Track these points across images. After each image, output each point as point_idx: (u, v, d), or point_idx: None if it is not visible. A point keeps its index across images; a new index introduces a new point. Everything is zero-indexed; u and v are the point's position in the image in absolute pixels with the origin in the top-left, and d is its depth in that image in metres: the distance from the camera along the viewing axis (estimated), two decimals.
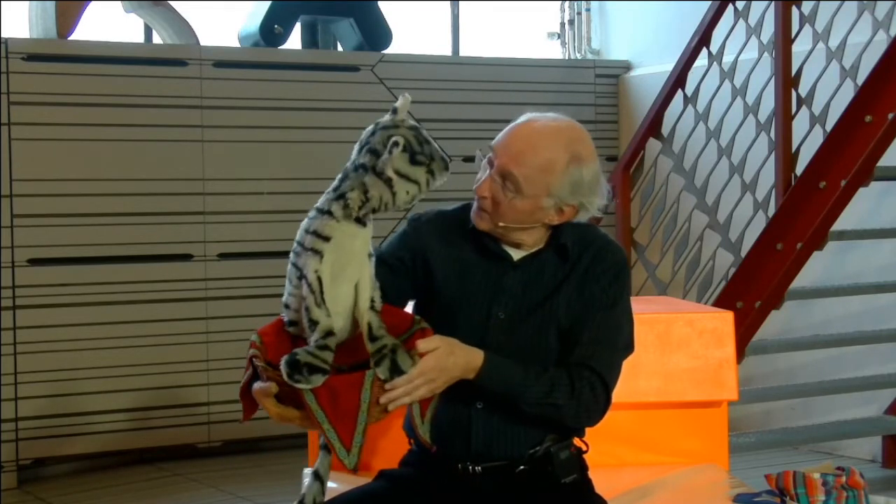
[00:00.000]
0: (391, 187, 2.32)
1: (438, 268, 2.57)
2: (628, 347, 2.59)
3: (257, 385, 2.36)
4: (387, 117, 2.39)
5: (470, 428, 2.52)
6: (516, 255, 2.55)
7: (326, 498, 2.52)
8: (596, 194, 2.51)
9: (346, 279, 2.35)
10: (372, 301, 2.39)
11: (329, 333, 2.32)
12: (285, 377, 2.28)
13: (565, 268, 2.53)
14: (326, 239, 2.32)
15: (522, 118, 2.52)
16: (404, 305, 2.59)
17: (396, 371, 2.32)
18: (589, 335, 2.49)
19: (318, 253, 2.32)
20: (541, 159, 2.45)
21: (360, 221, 2.35)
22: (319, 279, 2.32)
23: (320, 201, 2.37)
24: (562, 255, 2.54)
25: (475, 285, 2.54)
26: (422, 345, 2.36)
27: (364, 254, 2.38)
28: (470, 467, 2.53)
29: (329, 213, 2.33)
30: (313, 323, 2.33)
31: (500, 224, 2.50)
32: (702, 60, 5.56)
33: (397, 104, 2.39)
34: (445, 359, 2.38)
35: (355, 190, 2.33)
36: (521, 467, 2.52)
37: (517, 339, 2.50)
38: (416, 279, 2.58)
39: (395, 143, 2.30)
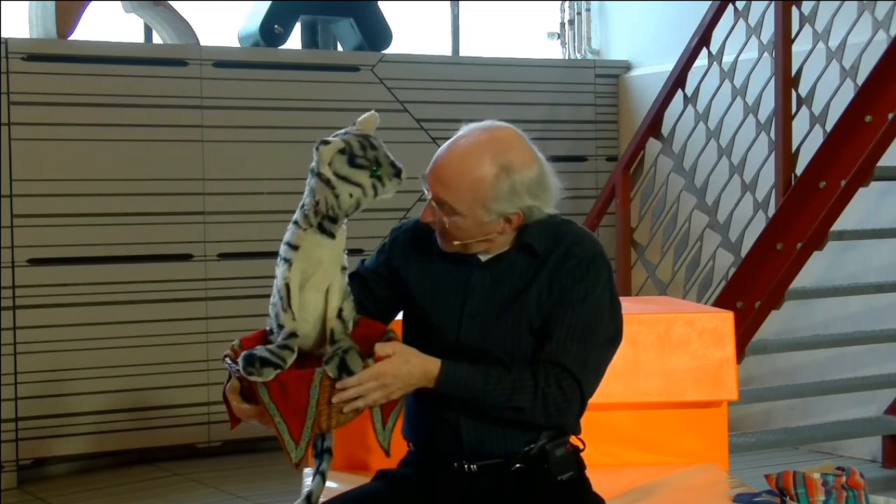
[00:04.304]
0: (332, 189, 2.39)
1: (411, 276, 2.61)
2: (612, 342, 2.57)
3: (228, 385, 2.47)
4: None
5: (459, 426, 2.53)
6: (484, 255, 2.57)
7: (325, 498, 2.55)
8: (540, 197, 2.50)
9: (314, 287, 2.44)
10: (340, 310, 2.46)
11: (292, 335, 2.42)
12: (241, 371, 2.37)
13: (535, 265, 2.53)
14: (295, 248, 2.43)
15: (452, 138, 2.52)
16: (389, 316, 2.64)
17: (345, 370, 2.37)
18: (561, 331, 2.47)
19: (287, 262, 2.43)
20: (468, 180, 2.46)
21: (326, 232, 2.43)
22: (287, 286, 2.42)
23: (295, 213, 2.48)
24: (530, 252, 2.54)
25: (446, 288, 2.56)
26: (378, 347, 2.41)
27: (333, 264, 2.46)
28: (465, 466, 2.54)
29: (296, 223, 2.45)
30: (280, 327, 2.43)
31: (456, 242, 2.52)
32: (702, 60, 5.56)
33: (360, 118, 2.46)
34: (400, 366, 2.41)
35: (308, 196, 2.44)
36: (517, 465, 2.53)
37: (491, 338, 2.51)
38: (394, 290, 2.63)
39: (324, 142, 2.38)
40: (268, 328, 2.50)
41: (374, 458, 3.01)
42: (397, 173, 2.44)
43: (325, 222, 2.42)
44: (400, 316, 2.67)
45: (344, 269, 2.48)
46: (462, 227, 2.49)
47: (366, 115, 2.48)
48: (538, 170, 2.50)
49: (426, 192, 2.52)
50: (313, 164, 2.41)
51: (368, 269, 2.65)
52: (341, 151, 2.39)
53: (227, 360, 2.44)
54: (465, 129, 2.53)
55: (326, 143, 2.39)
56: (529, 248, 2.53)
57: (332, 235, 2.44)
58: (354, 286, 2.56)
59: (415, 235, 2.63)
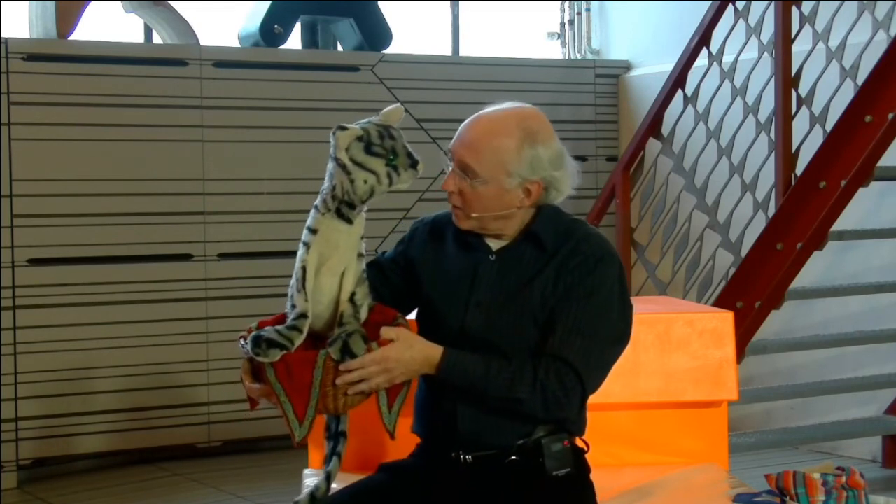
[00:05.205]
0: (348, 174, 2.46)
1: (424, 265, 2.66)
2: (619, 340, 2.59)
3: (242, 366, 2.55)
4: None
5: (455, 414, 2.56)
6: (495, 245, 2.61)
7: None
8: (560, 170, 2.56)
9: (329, 270, 2.51)
10: (353, 294, 2.53)
11: (302, 316, 2.49)
12: (250, 351, 2.45)
13: (543, 258, 2.56)
14: (314, 232, 2.50)
15: (477, 113, 2.61)
16: (404, 304, 2.69)
17: (347, 352, 2.43)
18: (564, 326, 2.50)
19: (306, 245, 2.51)
20: (493, 143, 2.53)
21: (344, 217, 2.50)
22: (304, 268, 2.49)
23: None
24: (539, 245, 2.57)
25: (455, 277, 2.61)
26: (383, 331, 2.47)
27: (349, 249, 2.52)
28: (461, 456, 2.57)
29: (316, 207, 2.52)
30: (293, 308, 2.51)
31: (474, 215, 2.56)
32: (702, 60, 5.56)
33: (384, 109, 2.54)
34: (403, 351, 2.46)
35: (327, 181, 2.51)
36: (512, 458, 2.55)
37: (496, 328, 2.54)
38: (408, 278, 2.69)
39: (341, 128, 2.46)
40: (286, 310, 2.55)
41: (384, 458, 3.00)
42: (413, 164, 2.50)
43: (342, 207, 2.49)
44: (414, 315, 2.71)
45: (361, 255, 2.55)
46: (484, 195, 2.53)
47: (391, 107, 2.56)
48: (559, 147, 2.57)
49: (448, 164, 2.57)
50: (332, 149, 2.48)
51: (387, 258, 2.73)
52: (359, 138, 2.46)
53: (241, 340, 2.50)
54: (484, 109, 2.60)
55: (344, 128, 2.46)
56: (537, 238, 2.57)
57: (349, 221, 2.50)
58: (372, 273, 2.62)
59: (433, 228, 2.70)
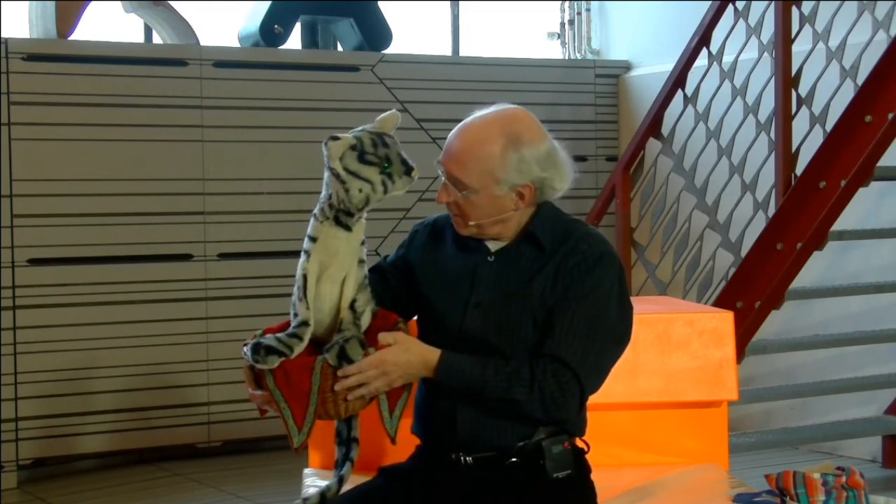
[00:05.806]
0: (343, 183, 2.48)
1: (423, 269, 2.67)
2: (618, 341, 2.59)
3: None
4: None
5: (455, 416, 2.56)
6: (494, 246, 2.61)
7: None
8: (550, 169, 2.55)
9: (330, 278, 2.52)
10: (353, 301, 2.54)
11: (304, 324, 2.50)
12: (249, 358, 2.46)
13: (542, 259, 2.56)
14: (314, 240, 2.52)
15: (463, 121, 2.60)
16: (405, 308, 2.69)
17: (345, 358, 2.44)
18: (562, 326, 2.50)
19: (307, 253, 2.52)
20: (477, 153, 2.52)
21: (342, 224, 2.51)
22: (305, 276, 2.51)
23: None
24: (537, 245, 2.57)
25: (454, 278, 2.61)
26: (380, 337, 2.48)
27: (349, 256, 2.54)
28: (461, 458, 2.57)
29: (315, 215, 2.53)
30: (295, 316, 2.52)
31: (472, 223, 2.57)
32: (702, 60, 5.56)
33: (380, 116, 2.55)
34: (400, 355, 2.47)
35: (324, 190, 2.53)
36: (512, 459, 2.54)
37: (495, 328, 2.54)
38: (408, 282, 2.69)
39: (333, 138, 2.47)
40: (290, 318, 2.56)
41: (381, 460, 3.00)
42: (408, 171, 2.51)
43: (340, 215, 2.50)
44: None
45: (361, 261, 2.56)
46: (477, 204, 2.53)
47: (386, 113, 2.56)
48: (548, 145, 2.56)
49: (441, 174, 2.58)
50: (325, 158, 2.49)
51: (389, 263, 2.73)
52: (352, 147, 2.47)
53: (244, 348, 2.51)
54: (472, 115, 2.59)
55: (336, 139, 2.46)
56: (535, 238, 2.57)
57: (348, 228, 2.51)
58: (374, 278, 2.64)
59: (432, 230, 2.71)
